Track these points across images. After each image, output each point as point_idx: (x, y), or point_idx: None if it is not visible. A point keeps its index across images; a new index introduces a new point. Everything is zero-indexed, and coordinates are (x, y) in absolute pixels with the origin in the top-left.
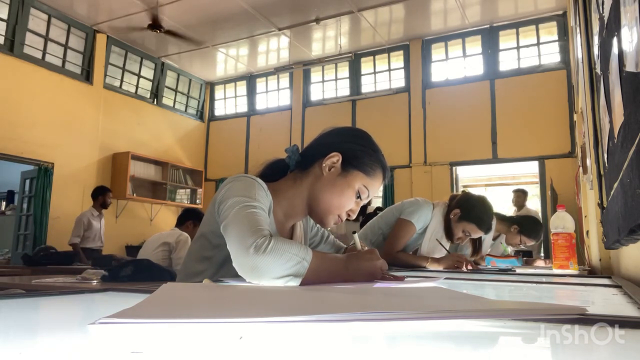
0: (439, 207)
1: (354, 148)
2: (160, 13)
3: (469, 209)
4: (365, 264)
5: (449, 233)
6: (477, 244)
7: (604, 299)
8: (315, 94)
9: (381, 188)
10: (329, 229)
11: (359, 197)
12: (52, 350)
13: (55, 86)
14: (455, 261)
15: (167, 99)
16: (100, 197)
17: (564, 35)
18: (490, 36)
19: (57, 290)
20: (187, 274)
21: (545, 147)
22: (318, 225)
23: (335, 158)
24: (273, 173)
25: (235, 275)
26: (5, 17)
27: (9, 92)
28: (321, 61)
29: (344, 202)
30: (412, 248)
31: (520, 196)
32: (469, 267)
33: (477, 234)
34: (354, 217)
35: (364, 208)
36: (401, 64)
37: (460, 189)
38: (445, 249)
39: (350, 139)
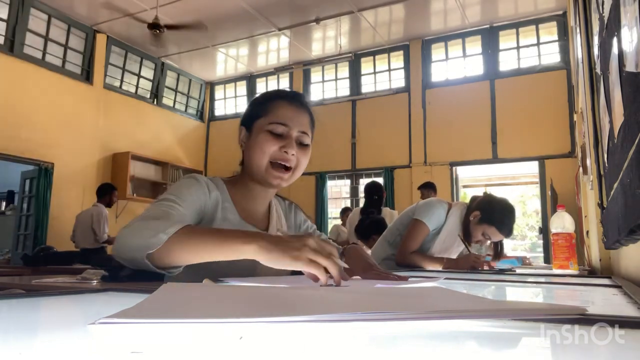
0: (457, 207)
1: (246, 112)
2: (160, 13)
3: (490, 212)
4: (295, 243)
5: (467, 235)
6: (498, 247)
7: (604, 299)
8: (315, 94)
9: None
10: (280, 187)
11: (280, 135)
12: (52, 350)
13: (55, 86)
14: (473, 261)
15: (167, 99)
16: (108, 195)
17: (564, 35)
18: (490, 36)
19: (57, 290)
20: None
21: (545, 147)
22: (308, 226)
23: (241, 132)
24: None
25: (217, 276)
26: (5, 17)
27: (9, 92)
28: (321, 61)
29: (261, 150)
30: (427, 248)
31: (431, 192)
32: (486, 268)
33: (497, 237)
34: (293, 151)
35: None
36: (401, 64)
37: (461, 189)
38: (468, 249)
39: (247, 109)
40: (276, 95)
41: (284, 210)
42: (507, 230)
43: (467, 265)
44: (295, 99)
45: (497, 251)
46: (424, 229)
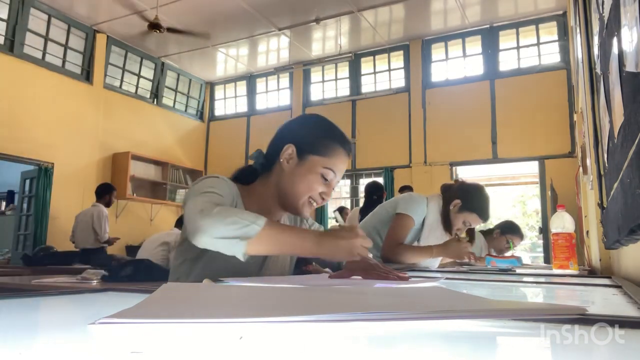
0: (433, 200)
1: (303, 134)
2: (160, 13)
3: (469, 199)
4: (342, 241)
5: (447, 224)
6: (471, 233)
7: (604, 299)
8: (315, 94)
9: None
10: (309, 219)
11: (327, 180)
12: (52, 350)
13: (55, 86)
14: (463, 250)
15: (167, 99)
16: (107, 195)
17: (564, 35)
18: (490, 36)
19: (57, 290)
20: (175, 277)
21: (545, 147)
22: (312, 224)
23: (289, 150)
24: (244, 176)
25: (219, 275)
26: (5, 17)
27: (9, 92)
28: (321, 61)
29: (308, 187)
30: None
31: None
32: (472, 260)
33: (477, 223)
34: (328, 199)
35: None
36: (401, 64)
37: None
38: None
39: (299, 126)
40: (339, 142)
41: (291, 221)
42: (486, 216)
43: (459, 254)
44: (350, 151)
45: (471, 236)
46: (410, 222)
